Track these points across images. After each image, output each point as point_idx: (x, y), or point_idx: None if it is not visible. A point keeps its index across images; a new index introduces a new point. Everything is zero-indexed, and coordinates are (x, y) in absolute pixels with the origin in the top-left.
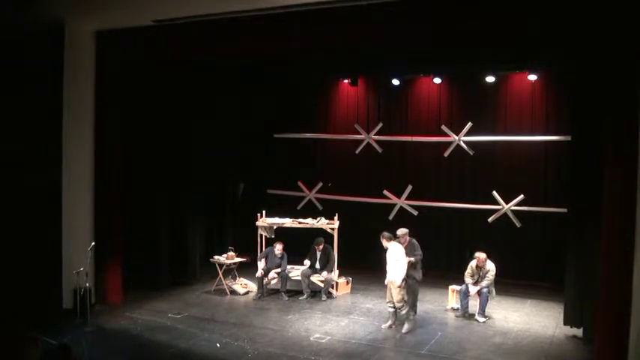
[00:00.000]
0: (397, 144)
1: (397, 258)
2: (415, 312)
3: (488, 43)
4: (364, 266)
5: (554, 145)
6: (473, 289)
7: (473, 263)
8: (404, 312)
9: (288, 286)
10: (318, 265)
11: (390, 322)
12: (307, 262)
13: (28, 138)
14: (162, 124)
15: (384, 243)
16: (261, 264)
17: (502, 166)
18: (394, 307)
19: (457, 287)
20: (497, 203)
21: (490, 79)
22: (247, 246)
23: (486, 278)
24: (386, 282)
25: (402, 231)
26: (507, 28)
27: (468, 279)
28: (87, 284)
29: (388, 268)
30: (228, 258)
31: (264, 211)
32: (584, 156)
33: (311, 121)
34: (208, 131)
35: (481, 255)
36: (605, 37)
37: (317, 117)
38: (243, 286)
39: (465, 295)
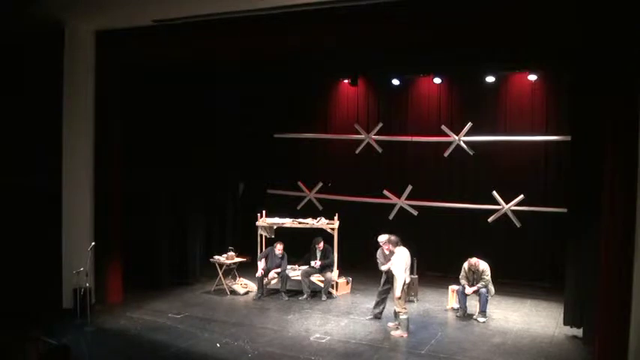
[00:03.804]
0: (397, 144)
1: (395, 265)
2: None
3: (488, 43)
4: (364, 266)
5: (554, 145)
6: (469, 289)
7: (465, 266)
8: (403, 317)
9: (288, 286)
10: (317, 263)
11: (396, 322)
12: (304, 267)
13: (28, 138)
14: (162, 124)
15: (391, 248)
16: (261, 264)
17: (502, 166)
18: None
19: (457, 287)
20: (497, 203)
21: (490, 79)
22: (247, 246)
23: (482, 280)
24: (398, 294)
25: (384, 237)
26: (507, 28)
27: (462, 281)
28: (87, 284)
29: (397, 273)
30: (228, 258)
31: (264, 211)
32: (584, 156)
33: (311, 121)
34: (208, 131)
35: (472, 259)
36: (605, 36)
37: (317, 117)
38: (243, 286)
39: (463, 295)
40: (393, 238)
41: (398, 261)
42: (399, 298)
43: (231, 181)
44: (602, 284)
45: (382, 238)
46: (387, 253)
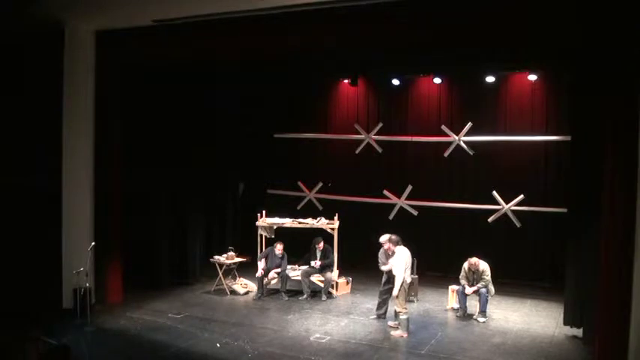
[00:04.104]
0: (397, 144)
1: (395, 264)
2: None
3: (488, 43)
4: (364, 266)
5: (554, 145)
6: (469, 289)
7: (465, 265)
8: (403, 317)
9: (288, 286)
10: (317, 263)
11: (396, 322)
12: (304, 267)
13: (28, 138)
14: (162, 124)
15: (392, 247)
16: (261, 264)
17: (502, 166)
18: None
19: (457, 287)
20: (497, 203)
21: (490, 79)
22: (247, 246)
23: (482, 280)
24: (395, 292)
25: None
26: (507, 28)
27: (462, 281)
28: (87, 284)
29: (396, 272)
30: (228, 258)
31: (264, 211)
32: (584, 156)
33: (311, 121)
34: (208, 131)
35: (473, 259)
36: (605, 36)
37: (317, 117)
38: (243, 286)
39: (463, 295)
40: (393, 237)
41: (398, 260)
42: (398, 297)
43: (231, 181)
44: (602, 284)
45: (383, 238)
46: (389, 253)
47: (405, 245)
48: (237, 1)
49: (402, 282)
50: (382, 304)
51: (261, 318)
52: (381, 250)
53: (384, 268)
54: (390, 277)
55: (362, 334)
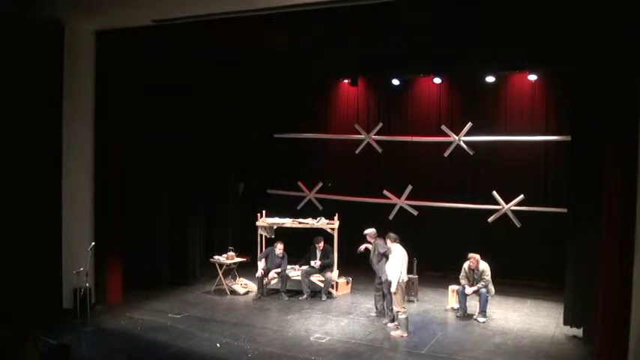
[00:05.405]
0: (397, 144)
1: (392, 262)
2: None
3: (488, 43)
4: (364, 266)
5: (554, 145)
6: (469, 289)
7: (466, 265)
8: (402, 317)
9: (288, 286)
10: (317, 262)
11: (396, 322)
12: (304, 267)
13: (28, 138)
14: (162, 124)
15: (388, 243)
16: (261, 264)
17: (502, 166)
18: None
19: (457, 287)
20: (497, 203)
21: (490, 79)
22: (247, 246)
23: (482, 280)
24: (393, 289)
25: (370, 231)
26: (507, 28)
27: (462, 281)
28: (87, 284)
29: (394, 268)
30: (228, 258)
31: (264, 211)
32: (584, 156)
33: (311, 121)
34: (208, 131)
35: (475, 256)
36: (605, 36)
37: (317, 117)
38: (243, 286)
39: (463, 295)
40: (392, 234)
41: (395, 258)
42: (395, 293)
43: (231, 181)
44: (602, 284)
45: (368, 231)
46: (376, 247)
47: (405, 245)
48: (238, 1)
49: (399, 279)
50: (378, 299)
51: (261, 318)
52: (372, 251)
53: (390, 277)
54: (380, 275)
55: (362, 334)
